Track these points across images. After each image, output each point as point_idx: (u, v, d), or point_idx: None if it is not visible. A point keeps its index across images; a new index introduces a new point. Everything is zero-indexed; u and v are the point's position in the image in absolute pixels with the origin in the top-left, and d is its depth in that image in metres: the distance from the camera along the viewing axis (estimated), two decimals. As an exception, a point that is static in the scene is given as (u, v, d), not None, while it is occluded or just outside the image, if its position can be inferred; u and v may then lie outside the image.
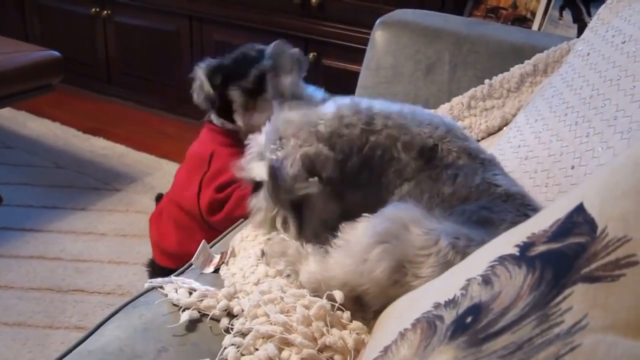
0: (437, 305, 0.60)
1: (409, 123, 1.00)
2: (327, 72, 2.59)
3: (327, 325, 0.85)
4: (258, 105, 1.49)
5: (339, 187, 0.99)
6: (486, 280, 0.56)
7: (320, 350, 0.82)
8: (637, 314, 0.42)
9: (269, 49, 1.30)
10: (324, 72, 2.59)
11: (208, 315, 0.89)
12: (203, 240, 1.07)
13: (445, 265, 0.78)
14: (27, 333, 1.76)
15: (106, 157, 2.81)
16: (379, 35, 1.67)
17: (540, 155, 1.10)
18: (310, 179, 0.95)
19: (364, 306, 0.90)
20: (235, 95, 1.51)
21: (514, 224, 0.85)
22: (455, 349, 0.51)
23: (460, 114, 1.47)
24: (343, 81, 2.46)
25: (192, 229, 1.61)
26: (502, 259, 0.57)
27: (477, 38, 1.58)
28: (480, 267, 0.59)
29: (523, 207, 0.90)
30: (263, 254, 1.01)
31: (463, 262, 0.71)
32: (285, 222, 1.03)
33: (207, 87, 1.53)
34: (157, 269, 1.70)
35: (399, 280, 0.81)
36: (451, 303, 0.58)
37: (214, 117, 1.58)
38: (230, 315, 0.90)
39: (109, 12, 3.19)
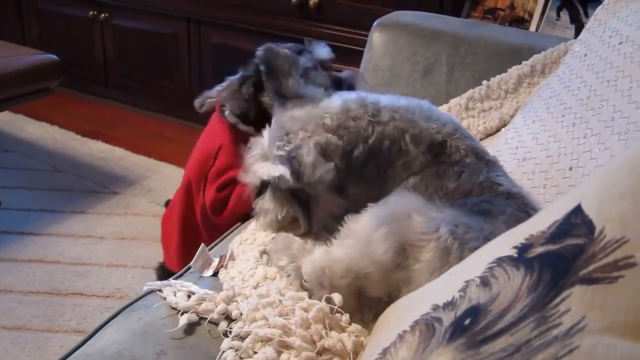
0: (435, 307, 0.60)
1: (417, 117, 1.00)
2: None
3: (326, 328, 0.85)
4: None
5: (345, 179, 1.00)
6: (484, 282, 0.56)
7: (319, 353, 0.82)
8: (636, 316, 0.42)
9: (259, 54, 1.28)
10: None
11: (207, 318, 0.89)
12: (202, 244, 1.06)
13: (445, 250, 0.81)
14: (26, 337, 1.75)
15: (104, 160, 2.81)
16: (376, 37, 1.67)
17: (538, 157, 1.10)
18: (329, 163, 0.96)
19: (363, 307, 0.90)
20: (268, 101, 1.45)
21: (513, 216, 0.87)
22: (454, 351, 0.51)
23: (458, 115, 1.47)
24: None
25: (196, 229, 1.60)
26: (500, 261, 0.57)
27: (474, 39, 1.58)
28: (479, 269, 0.59)
29: (523, 205, 0.92)
30: (262, 255, 1.02)
31: (461, 263, 0.71)
32: (293, 222, 1.04)
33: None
34: (167, 274, 1.68)
35: (401, 263, 0.83)
36: (449, 305, 0.58)
37: (228, 115, 1.54)
38: (229, 318, 0.89)
39: (107, 15, 3.19)
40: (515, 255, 0.55)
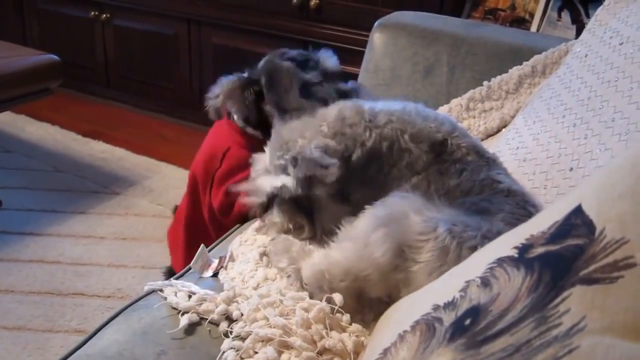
0: (436, 307, 0.60)
1: (414, 118, 1.02)
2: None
3: (327, 328, 0.85)
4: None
5: (347, 186, 1.00)
6: (485, 282, 0.56)
7: (320, 353, 0.82)
8: (635, 316, 0.42)
9: (260, 65, 1.27)
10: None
11: (207, 318, 0.89)
12: (202, 245, 1.07)
13: (443, 250, 0.81)
14: (26, 337, 1.76)
15: (105, 160, 2.81)
16: (377, 38, 1.67)
17: (539, 157, 1.10)
18: (333, 159, 0.96)
19: (364, 307, 0.90)
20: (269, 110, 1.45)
21: (511, 214, 0.87)
22: (454, 351, 0.51)
23: (459, 115, 1.48)
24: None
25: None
26: (500, 261, 0.57)
27: (475, 40, 1.58)
28: (479, 269, 0.59)
29: (523, 203, 0.92)
30: (262, 256, 1.02)
31: (462, 264, 0.71)
32: (299, 227, 1.06)
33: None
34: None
35: (399, 265, 0.83)
36: (450, 305, 0.58)
37: (236, 118, 1.54)
38: (230, 319, 0.90)
39: (108, 15, 3.19)
40: (516, 255, 0.55)
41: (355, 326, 0.87)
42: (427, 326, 0.58)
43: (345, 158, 0.99)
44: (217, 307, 0.90)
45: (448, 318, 0.56)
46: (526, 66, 1.47)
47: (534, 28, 2.25)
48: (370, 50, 1.68)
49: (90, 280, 2.00)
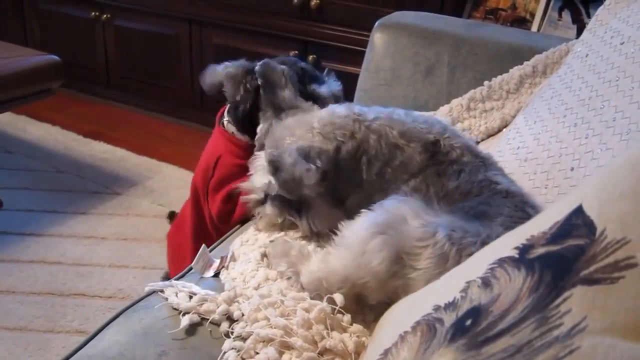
0: (437, 308, 0.60)
1: (402, 118, 1.03)
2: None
3: (328, 329, 0.85)
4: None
5: (339, 187, 1.01)
6: (486, 283, 0.56)
7: (321, 354, 0.82)
8: (636, 317, 0.42)
9: (257, 69, 1.30)
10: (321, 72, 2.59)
11: (208, 319, 0.89)
12: (203, 245, 1.07)
13: (442, 256, 0.80)
14: (28, 337, 1.76)
15: (106, 161, 2.81)
16: (378, 38, 1.67)
17: (540, 157, 1.10)
18: (309, 164, 0.97)
19: (365, 307, 0.90)
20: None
21: (510, 217, 0.87)
22: (455, 351, 0.51)
23: (460, 115, 1.47)
24: (342, 83, 2.46)
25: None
26: (501, 262, 0.57)
27: (476, 40, 1.58)
28: (480, 270, 0.59)
29: (521, 204, 0.92)
30: (263, 257, 1.02)
31: (463, 264, 0.71)
32: (294, 224, 1.08)
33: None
34: None
35: (397, 272, 0.82)
36: (451, 306, 0.58)
37: (227, 125, 1.56)
38: (231, 319, 0.90)
39: (109, 16, 3.19)
40: (517, 256, 0.55)
41: (356, 326, 0.87)
42: (428, 327, 0.58)
43: (334, 155, 1.00)
44: (218, 307, 0.90)
45: (449, 318, 0.56)
46: (527, 66, 1.47)
47: (534, 28, 2.24)
48: (371, 50, 1.68)
49: (91, 281, 2.00)
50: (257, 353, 0.82)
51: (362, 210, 0.90)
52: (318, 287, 0.90)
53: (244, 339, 0.84)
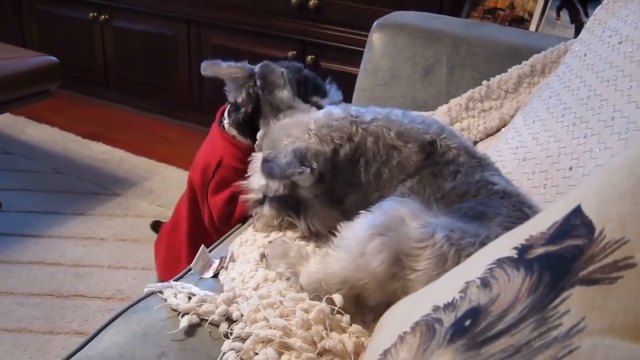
0: (436, 308, 0.60)
1: (400, 119, 1.03)
2: (325, 74, 2.58)
3: (327, 329, 0.85)
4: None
5: (336, 189, 1.01)
6: (485, 283, 0.56)
7: (320, 354, 0.82)
8: (635, 317, 0.42)
9: (256, 70, 1.30)
10: (321, 75, 2.59)
11: (207, 320, 0.89)
12: (202, 245, 1.07)
13: (441, 257, 0.80)
14: (27, 339, 1.76)
15: (105, 161, 2.81)
16: (376, 38, 1.67)
17: (538, 157, 1.10)
18: (303, 167, 0.96)
19: (364, 308, 0.90)
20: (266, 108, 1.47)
21: (509, 217, 0.87)
22: (454, 352, 0.51)
23: (459, 115, 1.48)
24: (341, 84, 2.46)
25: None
26: (500, 262, 0.57)
27: (474, 39, 1.58)
28: (479, 270, 0.59)
29: (519, 204, 0.92)
30: (262, 258, 1.02)
31: (462, 264, 0.71)
32: (292, 224, 1.08)
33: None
34: None
35: (397, 273, 0.82)
36: (450, 306, 0.58)
37: (228, 127, 1.55)
38: (230, 320, 0.89)
39: (107, 16, 3.19)
40: (516, 256, 0.55)
41: (356, 327, 0.87)
42: (427, 327, 0.58)
43: (331, 157, 1.00)
44: (217, 308, 0.90)
45: (448, 319, 0.56)
46: (525, 65, 1.47)
47: (533, 27, 2.25)
48: (370, 51, 1.68)
49: (90, 282, 2.00)
50: (257, 354, 0.82)
51: (361, 211, 0.89)
52: (317, 288, 0.90)
53: (243, 340, 0.84)
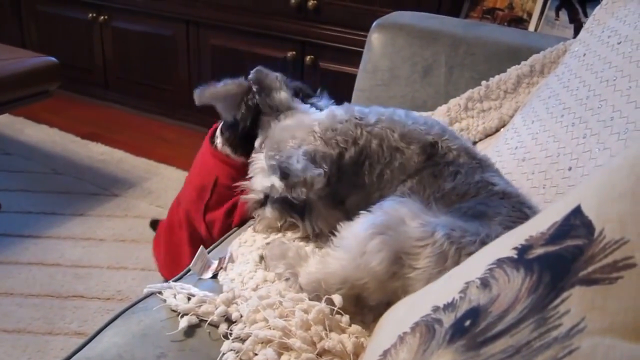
0: (436, 309, 0.60)
1: (403, 120, 1.03)
2: (324, 75, 2.59)
3: (326, 330, 0.85)
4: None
5: (340, 189, 1.01)
6: (485, 284, 0.56)
7: (320, 355, 0.82)
8: (635, 317, 0.42)
9: (250, 77, 1.30)
10: (320, 75, 2.59)
11: (207, 320, 0.89)
12: (201, 246, 1.07)
13: (441, 255, 0.80)
14: (26, 339, 1.75)
15: (104, 162, 2.81)
16: (375, 38, 1.67)
17: (538, 157, 1.10)
18: (318, 169, 0.97)
19: (364, 308, 0.90)
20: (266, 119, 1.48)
21: (509, 217, 0.87)
22: (454, 352, 0.51)
23: (458, 115, 1.48)
24: (340, 84, 2.46)
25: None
26: (500, 262, 0.57)
27: (473, 40, 1.58)
28: (479, 270, 0.59)
29: (518, 204, 0.92)
30: (261, 259, 1.02)
31: (462, 265, 0.71)
32: (292, 225, 1.08)
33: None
34: None
35: (397, 272, 0.83)
36: (450, 306, 0.58)
37: (221, 146, 1.56)
38: (229, 320, 0.89)
39: (106, 17, 3.19)
40: (515, 256, 0.55)
41: (355, 327, 0.87)
42: (427, 327, 0.58)
43: (338, 156, 1.00)
44: (216, 308, 0.90)
45: (448, 319, 0.56)
46: (524, 66, 1.47)
47: (532, 27, 2.25)
48: (369, 51, 1.68)
49: (90, 283, 2.00)
50: (256, 354, 0.82)
51: (361, 211, 0.90)
52: (317, 288, 0.90)
53: (243, 340, 0.84)
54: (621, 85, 1.01)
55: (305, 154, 0.98)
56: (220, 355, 0.83)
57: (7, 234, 2.23)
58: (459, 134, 1.08)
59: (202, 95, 1.46)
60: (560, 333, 0.44)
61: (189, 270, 1.05)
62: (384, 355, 0.62)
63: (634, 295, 0.43)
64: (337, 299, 0.87)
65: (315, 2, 2.54)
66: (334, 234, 0.92)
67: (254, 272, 1.00)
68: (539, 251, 0.53)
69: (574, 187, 0.90)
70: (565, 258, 0.49)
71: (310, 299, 0.90)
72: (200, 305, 0.90)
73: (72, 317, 1.85)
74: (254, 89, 1.25)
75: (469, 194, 0.94)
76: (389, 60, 1.64)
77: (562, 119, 1.10)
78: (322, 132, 1.01)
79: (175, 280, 1.02)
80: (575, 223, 0.51)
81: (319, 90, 1.53)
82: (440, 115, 1.48)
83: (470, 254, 0.78)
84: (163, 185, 2.63)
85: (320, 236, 1.06)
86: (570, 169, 1.02)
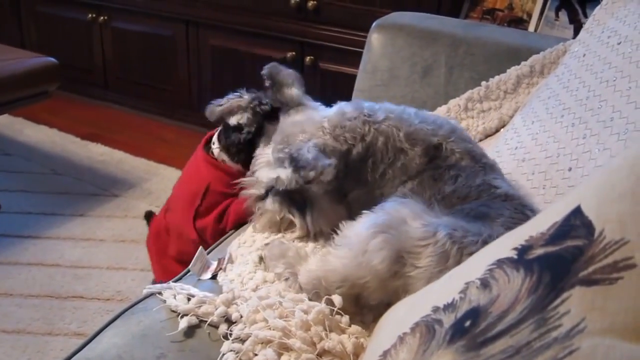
0: (436, 309, 0.60)
1: (412, 118, 1.03)
2: (324, 75, 2.59)
3: (326, 330, 0.84)
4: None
5: (344, 183, 1.01)
6: (485, 284, 0.56)
7: (319, 355, 0.82)
8: (635, 317, 0.42)
9: (265, 70, 1.32)
10: (320, 76, 2.59)
11: (207, 321, 0.89)
12: (200, 247, 1.07)
13: (443, 255, 0.81)
14: (26, 340, 1.75)
15: (104, 163, 2.80)
16: (375, 39, 1.67)
17: (538, 157, 1.10)
18: (331, 158, 0.97)
19: (364, 308, 0.90)
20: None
21: (511, 218, 0.87)
22: (454, 353, 0.51)
23: (458, 115, 1.47)
24: (340, 84, 2.46)
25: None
26: (500, 262, 0.57)
27: (473, 40, 1.58)
28: (479, 271, 0.59)
29: (520, 207, 0.92)
30: (261, 259, 1.02)
31: (462, 265, 0.71)
32: (291, 225, 1.08)
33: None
34: None
35: (398, 271, 0.83)
36: (450, 307, 0.58)
37: (217, 153, 1.57)
38: (229, 321, 0.89)
39: (106, 17, 3.19)
40: (515, 257, 0.55)
41: (355, 328, 0.87)
42: (427, 328, 0.58)
43: (345, 152, 1.00)
44: (216, 309, 0.90)
45: (448, 320, 0.56)
46: (524, 66, 1.47)
47: (531, 28, 2.25)
48: (368, 51, 1.68)
49: (89, 283, 2.00)
50: (256, 355, 0.82)
51: (363, 207, 0.90)
52: (317, 286, 0.90)
53: (243, 341, 0.84)
54: (621, 86, 1.01)
55: (316, 146, 0.98)
56: (220, 355, 0.83)
57: (7, 235, 2.23)
58: (468, 136, 1.07)
59: (213, 112, 1.51)
60: (560, 333, 0.44)
61: (189, 271, 1.05)
62: (384, 356, 0.62)
63: (634, 296, 0.43)
64: (337, 299, 0.87)
65: (315, 2, 2.54)
66: (335, 232, 0.92)
67: (254, 272, 1.00)
68: (539, 251, 0.53)
69: (574, 187, 0.90)
70: (565, 258, 0.49)
71: (309, 298, 0.90)
72: (200, 306, 0.90)
73: (72, 317, 1.85)
74: (267, 83, 1.27)
75: (470, 196, 0.94)
76: (389, 60, 1.64)
77: (562, 120, 1.10)
78: (331, 128, 1.01)
79: (175, 281, 1.02)
80: (575, 223, 0.51)
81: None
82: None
83: (471, 254, 0.78)
84: (163, 185, 2.63)
85: (319, 237, 1.06)
86: (570, 169, 1.02)
